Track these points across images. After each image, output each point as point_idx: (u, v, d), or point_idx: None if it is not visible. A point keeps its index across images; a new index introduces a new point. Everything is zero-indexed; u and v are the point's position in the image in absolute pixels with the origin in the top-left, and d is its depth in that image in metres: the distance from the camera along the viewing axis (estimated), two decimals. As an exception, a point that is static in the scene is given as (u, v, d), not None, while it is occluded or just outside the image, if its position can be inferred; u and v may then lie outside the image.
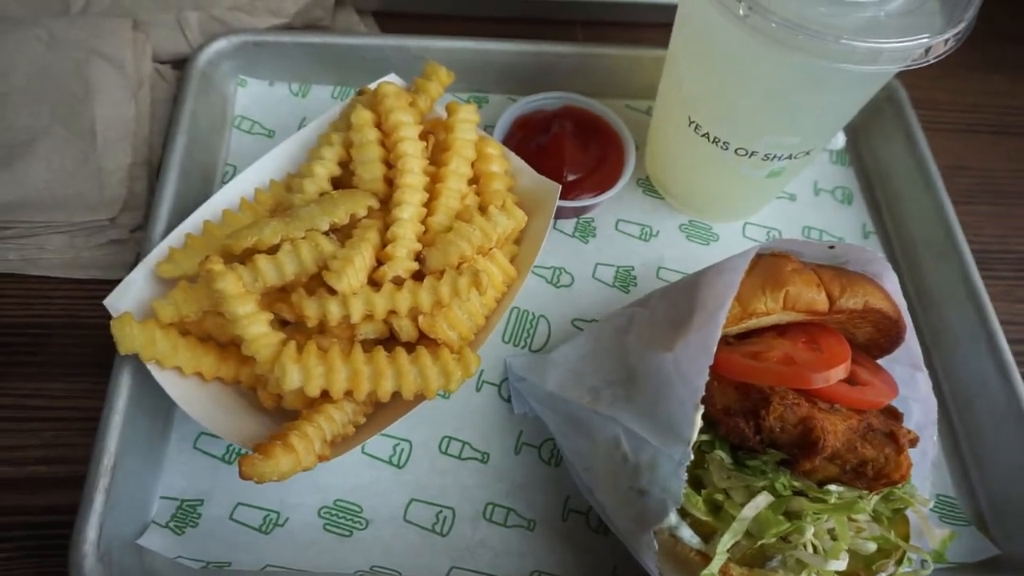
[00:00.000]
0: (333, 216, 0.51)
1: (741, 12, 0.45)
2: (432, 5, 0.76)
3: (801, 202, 0.69)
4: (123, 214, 0.60)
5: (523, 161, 0.60)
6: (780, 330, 0.47)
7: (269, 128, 0.67)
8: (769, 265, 0.45)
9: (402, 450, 0.54)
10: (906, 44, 0.44)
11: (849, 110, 0.54)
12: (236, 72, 0.68)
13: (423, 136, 0.56)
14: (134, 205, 0.61)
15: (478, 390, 0.57)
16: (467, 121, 0.57)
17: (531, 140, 0.66)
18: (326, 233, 0.51)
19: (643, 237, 0.65)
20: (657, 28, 0.78)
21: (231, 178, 0.64)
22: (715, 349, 0.41)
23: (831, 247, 0.47)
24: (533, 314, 0.60)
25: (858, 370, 0.46)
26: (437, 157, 0.57)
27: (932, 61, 0.45)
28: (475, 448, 0.54)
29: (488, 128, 0.69)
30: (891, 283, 0.47)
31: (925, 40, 0.44)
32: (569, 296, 0.62)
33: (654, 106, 0.68)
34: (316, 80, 0.70)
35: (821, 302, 0.44)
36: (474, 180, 0.58)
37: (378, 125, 0.56)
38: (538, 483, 0.54)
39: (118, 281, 0.55)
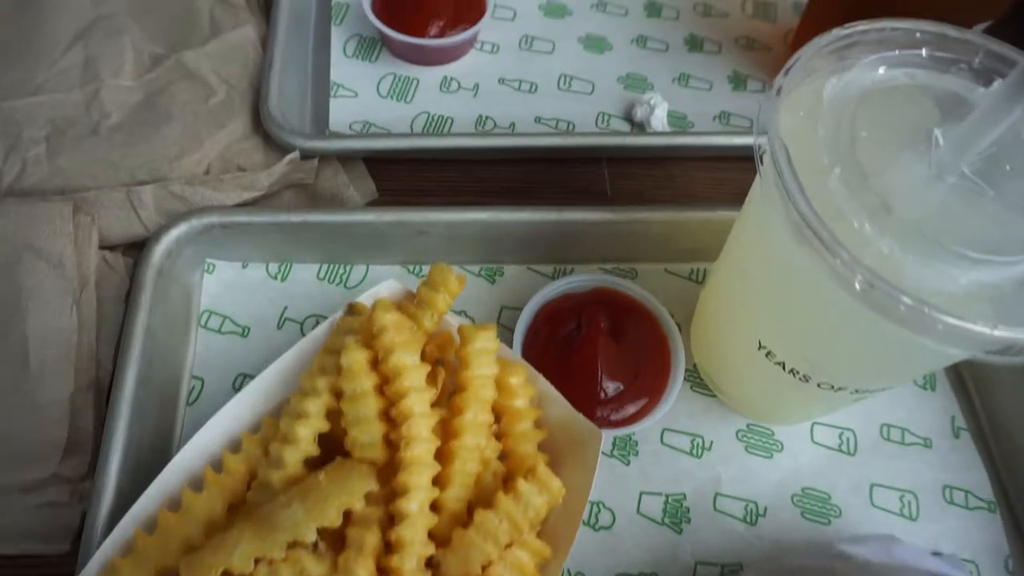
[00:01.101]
0: (322, 520, 0.39)
1: (858, 287, 0.34)
2: (433, 151, 0.64)
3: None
4: (65, 462, 0.49)
5: (554, 388, 0.49)
6: None
7: (243, 324, 0.56)
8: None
9: None
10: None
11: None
12: (201, 257, 0.57)
13: (431, 376, 0.45)
14: (78, 447, 0.50)
15: None
16: (485, 352, 0.46)
17: (559, 334, 0.54)
18: (314, 542, 0.40)
19: (694, 452, 0.55)
20: (690, 162, 0.68)
21: (197, 398, 0.53)
22: None
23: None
24: (569, 573, 0.50)
25: None
26: (448, 399, 0.47)
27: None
28: None
29: (507, 311, 0.58)
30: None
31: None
32: (610, 542, 0.51)
33: (704, 288, 0.57)
34: (299, 258, 0.58)
35: None
36: (495, 416, 0.47)
37: (374, 361, 0.45)
38: None
39: (60, 559, 0.45)
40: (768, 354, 0.46)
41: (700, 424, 0.56)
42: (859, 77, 0.40)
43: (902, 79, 0.41)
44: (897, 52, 0.41)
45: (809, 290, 0.40)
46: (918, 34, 0.41)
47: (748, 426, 0.56)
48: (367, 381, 0.44)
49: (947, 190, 0.37)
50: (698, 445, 0.55)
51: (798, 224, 0.35)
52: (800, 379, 0.46)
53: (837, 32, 0.41)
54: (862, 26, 0.41)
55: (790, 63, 0.39)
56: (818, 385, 0.45)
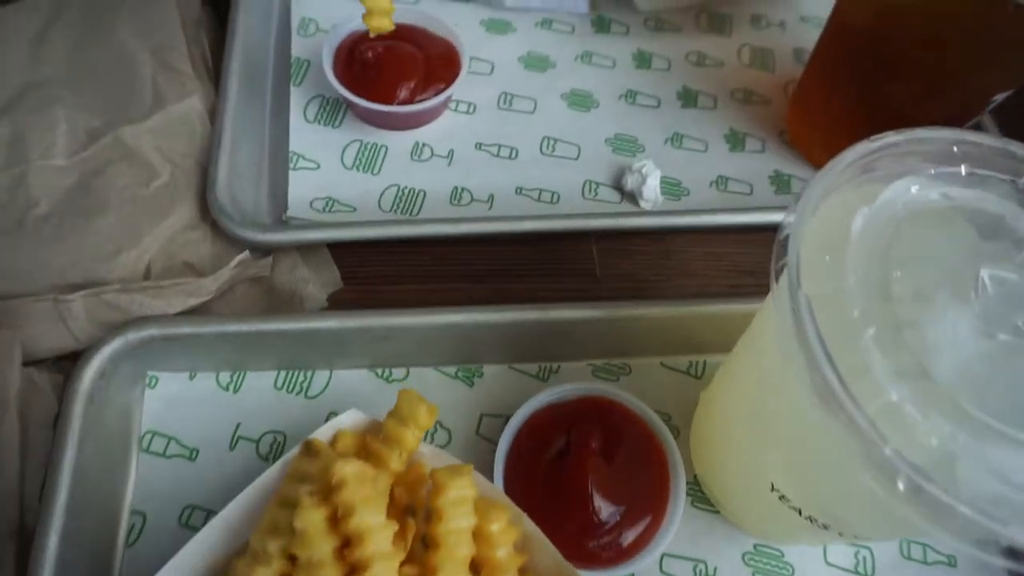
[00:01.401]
0: None
1: (901, 487, 0.28)
2: (403, 239, 0.58)
3: (893, 498, 0.53)
4: (-20, 627, 0.43)
5: (540, 531, 0.43)
6: None
7: (190, 446, 0.50)
8: None
9: None
10: None
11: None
12: (142, 370, 0.50)
13: (399, 534, 0.40)
14: (-4, 608, 0.43)
15: None
16: (461, 502, 0.40)
17: (546, 453, 0.49)
18: None
19: (697, 581, 0.49)
20: (685, 236, 0.63)
21: (138, 537, 0.47)
22: None
23: None
24: None
25: None
26: (421, 543, 0.41)
27: None
28: None
29: (487, 419, 0.53)
30: None
31: None
32: None
33: (705, 392, 0.51)
34: (253, 366, 0.52)
35: None
36: (475, 569, 0.42)
37: (333, 517, 0.39)
38: None
39: None
40: (782, 497, 0.41)
41: (702, 547, 0.50)
42: (890, 202, 0.35)
43: (938, 201, 0.36)
44: (933, 170, 0.35)
45: (834, 455, 0.34)
46: (955, 148, 0.36)
47: (755, 547, 0.51)
48: (325, 546, 0.38)
49: (998, 349, 0.31)
50: (701, 572, 0.49)
51: (825, 396, 0.30)
52: (819, 527, 0.40)
53: (865, 146, 0.35)
54: (891, 137, 0.35)
55: (818, 176, 0.34)
56: (839, 534, 0.40)
